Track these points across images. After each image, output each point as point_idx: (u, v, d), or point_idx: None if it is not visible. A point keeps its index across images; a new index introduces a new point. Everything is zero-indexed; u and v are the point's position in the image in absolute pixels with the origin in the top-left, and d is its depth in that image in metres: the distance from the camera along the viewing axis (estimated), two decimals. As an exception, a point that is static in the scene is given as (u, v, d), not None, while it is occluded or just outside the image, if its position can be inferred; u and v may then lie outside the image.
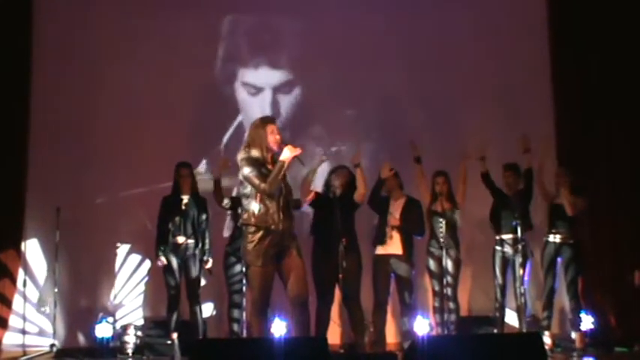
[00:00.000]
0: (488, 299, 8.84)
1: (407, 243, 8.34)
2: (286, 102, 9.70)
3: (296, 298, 6.38)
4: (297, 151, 6.36)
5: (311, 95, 9.70)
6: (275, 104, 9.63)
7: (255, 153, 6.42)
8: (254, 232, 6.36)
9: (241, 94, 9.73)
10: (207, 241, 8.28)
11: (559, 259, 8.64)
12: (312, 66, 9.67)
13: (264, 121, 6.57)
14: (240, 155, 6.48)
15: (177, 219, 8.18)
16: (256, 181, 6.33)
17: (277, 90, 9.70)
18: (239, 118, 9.62)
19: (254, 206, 6.36)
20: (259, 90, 9.71)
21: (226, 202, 8.37)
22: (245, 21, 9.79)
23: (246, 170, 6.37)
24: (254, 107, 9.57)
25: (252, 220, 6.37)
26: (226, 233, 9.02)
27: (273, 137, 6.44)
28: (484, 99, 9.66)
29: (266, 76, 9.72)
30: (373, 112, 9.66)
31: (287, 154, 6.33)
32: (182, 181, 8.27)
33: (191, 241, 8.20)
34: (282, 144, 6.45)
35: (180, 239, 8.17)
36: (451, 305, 8.46)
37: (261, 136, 6.45)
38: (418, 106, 9.68)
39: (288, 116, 9.62)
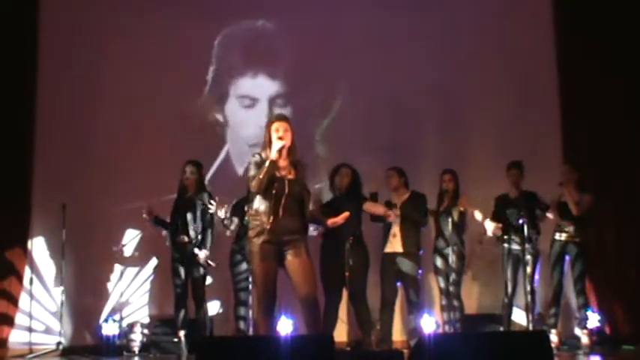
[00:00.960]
0: (496, 297, 8.83)
1: (410, 240, 8.37)
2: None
3: (304, 298, 6.34)
4: (279, 144, 6.27)
5: (305, 108, 9.66)
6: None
7: (263, 154, 6.40)
8: (252, 229, 6.36)
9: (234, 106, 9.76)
10: (207, 233, 8.22)
11: (566, 258, 8.63)
12: (306, 78, 9.66)
13: (270, 120, 6.53)
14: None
15: (182, 218, 8.18)
16: (251, 182, 6.36)
17: (273, 102, 9.70)
18: (225, 148, 9.67)
19: (254, 203, 6.37)
20: (255, 100, 9.72)
21: (233, 227, 8.32)
22: (243, 31, 9.78)
23: (250, 172, 6.38)
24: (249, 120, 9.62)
25: (250, 217, 6.40)
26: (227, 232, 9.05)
27: (276, 136, 6.35)
28: (488, 98, 9.63)
29: (262, 88, 9.72)
30: (372, 115, 9.62)
31: (273, 151, 6.29)
32: (187, 179, 8.26)
33: (195, 240, 8.20)
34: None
35: (185, 238, 8.17)
36: (455, 303, 8.47)
37: (266, 136, 6.42)
38: (421, 105, 9.64)
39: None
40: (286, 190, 6.30)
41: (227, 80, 9.75)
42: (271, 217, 6.26)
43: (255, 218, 6.34)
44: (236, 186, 8.67)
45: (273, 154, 6.26)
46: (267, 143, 6.38)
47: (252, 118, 9.65)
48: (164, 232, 8.40)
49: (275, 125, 6.39)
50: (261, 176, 6.23)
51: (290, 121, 6.45)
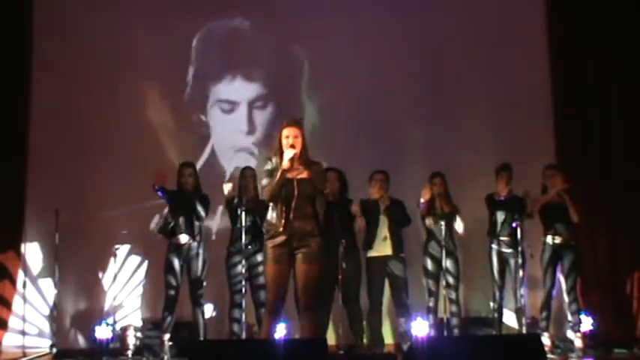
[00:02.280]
0: (487, 300, 8.83)
1: (399, 243, 8.47)
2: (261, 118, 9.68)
3: (301, 306, 6.40)
4: (290, 154, 6.23)
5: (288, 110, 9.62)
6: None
7: (274, 160, 6.35)
8: (267, 232, 6.38)
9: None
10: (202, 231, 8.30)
11: (559, 261, 8.63)
12: (290, 78, 9.67)
13: (282, 126, 6.41)
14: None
15: (179, 219, 8.20)
16: (263, 190, 6.36)
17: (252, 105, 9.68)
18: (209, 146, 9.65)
19: (268, 213, 6.37)
20: (234, 104, 9.71)
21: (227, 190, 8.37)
22: (223, 31, 9.78)
23: (262, 182, 6.37)
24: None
25: (266, 225, 6.42)
26: (212, 237, 9.11)
27: (286, 142, 6.29)
28: (479, 100, 9.62)
29: (240, 90, 9.71)
30: (359, 116, 9.64)
31: (285, 160, 6.25)
32: (185, 181, 8.27)
33: (193, 241, 8.21)
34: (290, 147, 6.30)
35: (183, 239, 8.18)
36: (453, 308, 8.48)
37: (277, 143, 6.37)
38: (409, 107, 9.62)
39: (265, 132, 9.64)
40: (295, 192, 6.25)
41: (209, 80, 9.75)
42: (283, 221, 6.24)
43: (270, 224, 6.33)
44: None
45: (285, 163, 6.21)
46: (278, 150, 6.33)
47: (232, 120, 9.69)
48: (153, 226, 8.39)
49: (285, 132, 6.32)
50: (274, 185, 6.21)
51: (301, 125, 6.39)
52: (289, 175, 6.26)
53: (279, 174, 6.21)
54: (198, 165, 9.11)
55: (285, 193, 6.25)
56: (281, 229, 6.24)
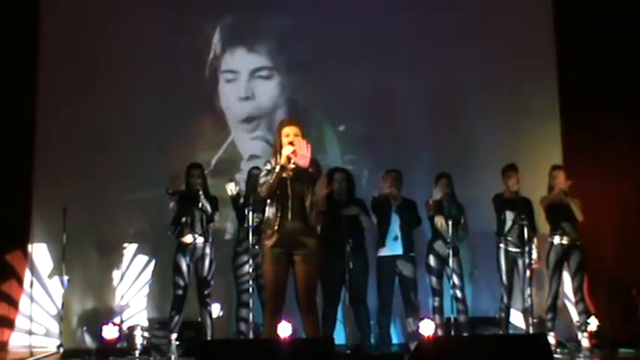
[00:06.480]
0: (493, 300, 8.83)
1: (409, 243, 8.47)
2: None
3: (303, 307, 6.40)
4: (289, 150, 6.18)
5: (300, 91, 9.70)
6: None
7: (273, 161, 6.32)
8: (264, 232, 6.37)
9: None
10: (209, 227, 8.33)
11: (565, 261, 8.62)
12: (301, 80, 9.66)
13: (280, 124, 6.43)
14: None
15: (186, 219, 8.23)
16: (260, 187, 6.34)
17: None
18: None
19: (265, 212, 6.37)
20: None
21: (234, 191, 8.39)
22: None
23: (261, 180, 6.35)
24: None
25: (264, 223, 6.40)
26: (227, 236, 9.13)
27: (286, 140, 6.26)
28: (488, 99, 9.63)
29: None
30: (367, 112, 9.66)
31: (283, 156, 6.22)
32: (193, 182, 8.30)
33: (200, 241, 8.24)
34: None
35: (189, 239, 8.21)
36: (460, 307, 8.48)
37: (276, 142, 6.37)
38: (416, 107, 9.63)
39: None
40: (289, 192, 6.26)
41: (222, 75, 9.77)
42: (279, 222, 6.24)
43: (267, 224, 6.33)
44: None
45: (282, 159, 6.19)
46: (278, 149, 6.30)
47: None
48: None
49: (285, 130, 6.31)
50: (271, 181, 6.19)
51: (301, 125, 6.37)
52: (284, 175, 6.25)
53: (277, 169, 6.18)
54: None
55: (280, 193, 6.24)
56: (276, 227, 6.24)
